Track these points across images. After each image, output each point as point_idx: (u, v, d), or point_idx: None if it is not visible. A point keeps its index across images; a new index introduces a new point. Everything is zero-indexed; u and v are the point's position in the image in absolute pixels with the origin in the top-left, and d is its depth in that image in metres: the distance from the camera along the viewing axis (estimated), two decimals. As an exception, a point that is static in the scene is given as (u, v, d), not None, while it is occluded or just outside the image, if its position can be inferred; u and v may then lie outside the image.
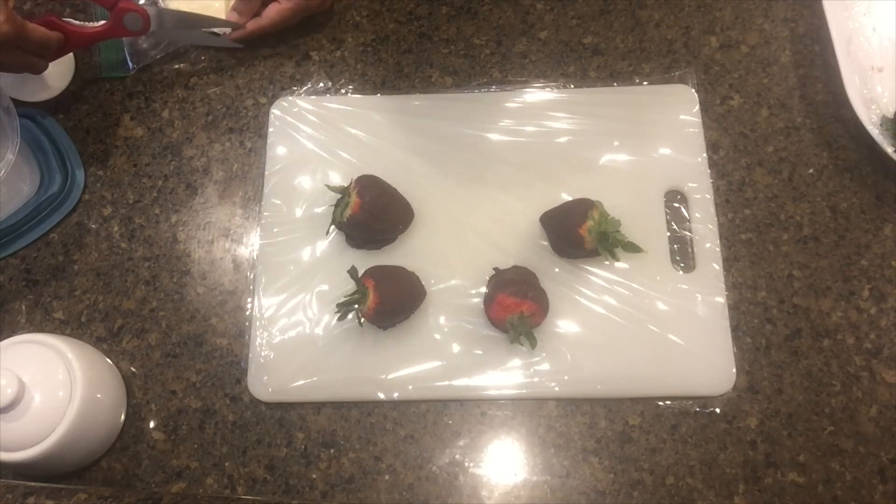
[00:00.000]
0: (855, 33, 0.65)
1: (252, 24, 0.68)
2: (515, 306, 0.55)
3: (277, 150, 0.65)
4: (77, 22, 0.64)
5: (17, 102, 0.61)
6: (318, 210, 0.63)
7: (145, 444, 0.57)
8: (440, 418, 0.57)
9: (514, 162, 0.63)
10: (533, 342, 0.55)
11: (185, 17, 0.66)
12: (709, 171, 0.63)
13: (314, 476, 0.56)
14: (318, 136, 0.65)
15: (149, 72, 0.69)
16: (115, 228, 0.64)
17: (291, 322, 0.59)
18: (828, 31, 0.64)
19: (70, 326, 0.61)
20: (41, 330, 0.61)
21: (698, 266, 0.60)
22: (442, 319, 0.59)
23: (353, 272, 0.56)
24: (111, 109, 0.68)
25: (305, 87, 0.68)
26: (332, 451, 0.57)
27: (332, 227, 0.61)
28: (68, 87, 0.69)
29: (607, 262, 0.59)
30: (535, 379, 0.57)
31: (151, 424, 0.58)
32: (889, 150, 0.60)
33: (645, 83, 0.67)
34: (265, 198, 0.64)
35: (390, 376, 0.57)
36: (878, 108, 0.63)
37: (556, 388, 0.57)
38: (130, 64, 0.69)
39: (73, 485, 0.55)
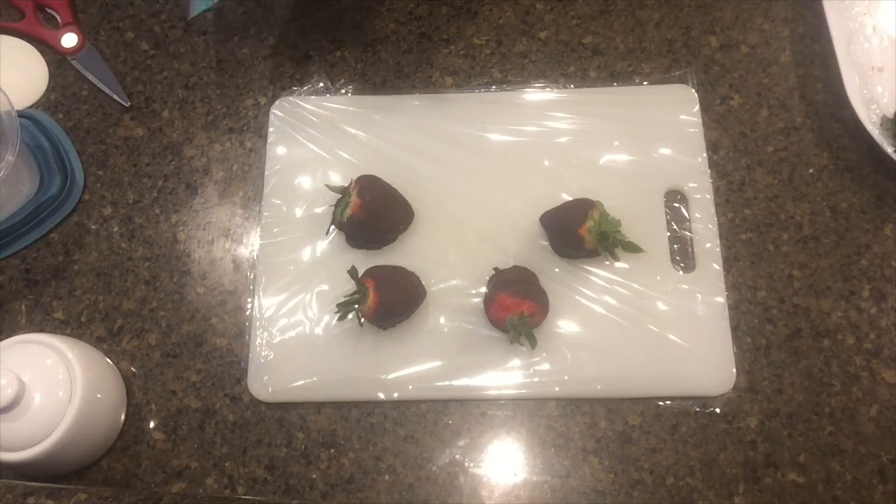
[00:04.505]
0: (855, 33, 0.65)
1: None
2: (515, 306, 0.55)
3: (277, 150, 0.65)
4: None
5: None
6: (318, 210, 0.63)
7: (145, 444, 0.57)
8: (440, 418, 0.57)
9: (514, 162, 0.63)
10: (533, 342, 0.55)
11: None
12: (709, 171, 0.63)
13: (314, 476, 0.56)
14: (318, 136, 0.65)
15: (149, 72, 0.69)
16: (115, 228, 0.64)
17: (291, 322, 0.59)
18: (828, 31, 0.64)
19: (70, 326, 0.61)
20: (41, 330, 0.61)
21: (698, 266, 0.60)
22: (442, 319, 0.59)
23: (353, 272, 0.56)
24: (111, 109, 0.68)
25: (305, 87, 0.68)
26: (332, 451, 0.57)
27: (332, 227, 0.61)
28: (70, 87, 0.69)
29: (607, 262, 0.59)
30: (535, 379, 0.57)
31: (151, 424, 0.58)
32: (889, 150, 0.60)
33: (645, 83, 0.67)
34: (265, 198, 0.64)
35: (390, 376, 0.57)
36: (878, 108, 0.63)
37: (556, 388, 0.57)
38: None
39: (73, 485, 0.55)
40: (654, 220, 0.61)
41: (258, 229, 0.63)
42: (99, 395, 0.54)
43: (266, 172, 0.64)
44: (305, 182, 0.64)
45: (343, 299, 0.56)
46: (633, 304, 0.58)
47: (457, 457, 0.56)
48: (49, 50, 0.70)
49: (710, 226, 0.61)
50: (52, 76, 0.69)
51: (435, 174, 0.63)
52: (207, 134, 0.67)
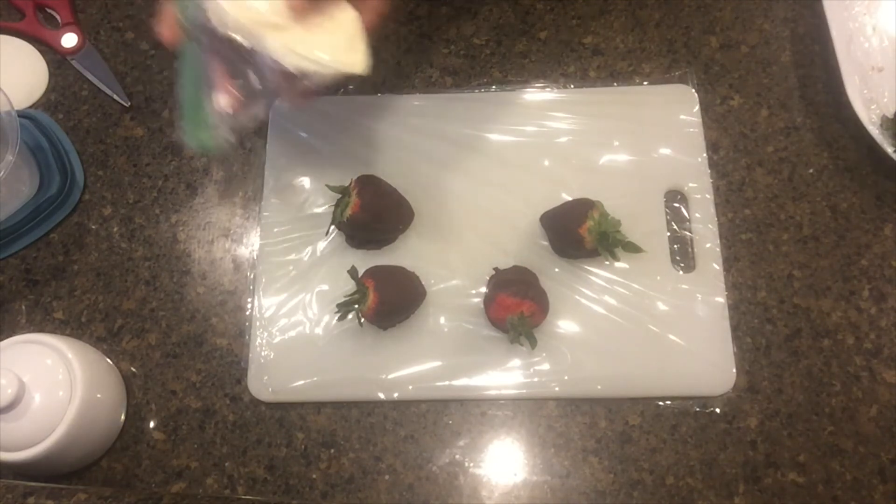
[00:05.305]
0: (855, 33, 0.65)
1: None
2: (515, 306, 0.55)
3: (277, 149, 0.65)
4: None
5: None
6: (318, 210, 0.63)
7: (145, 444, 0.57)
8: (440, 418, 0.57)
9: (514, 162, 0.63)
10: (533, 342, 0.55)
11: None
12: (709, 171, 0.63)
13: (314, 476, 0.56)
14: (318, 136, 0.65)
15: (149, 72, 0.69)
16: (115, 228, 0.64)
17: (291, 322, 0.59)
18: (828, 31, 0.64)
19: (70, 326, 0.61)
20: (41, 330, 0.61)
21: (698, 266, 0.60)
22: (442, 319, 0.59)
23: (353, 272, 0.56)
24: (111, 109, 0.68)
25: (305, 87, 0.68)
26: (332, 451, 0.57)
27: (332, 227, 0.61)
28: (70, 87, 0.69)
29: (607, 262, 0.59)
30: (535, 379, 0.57)
31: (151, 424, 0.58)
32: (889, 150, 0.60)
33: (645, 83, 0.67)
34: (265, 198, 0.63)
35: (390, 376, 0.57)
36: (878, 108, 0.63)
37: (556, 388, 0.57)
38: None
39: (73, 485, 0.55)
40: (654, 220, 0.61)
41: (258, 229, 0.63)
42: (99, 395, 0.54)
43: (266, 172, 0.64)
44: (305, 182, 0.64)
45: (343, 299, 0.56)
46: (633, 304, 0.58)
47: (457, 457, 0.56)
48: (49, 50, 0.70)
49: (710, 226, 0.61)
50: (52, 76, 0.69)
51: (435, 174, 0.63)
52: (207, 134, 0.67)
